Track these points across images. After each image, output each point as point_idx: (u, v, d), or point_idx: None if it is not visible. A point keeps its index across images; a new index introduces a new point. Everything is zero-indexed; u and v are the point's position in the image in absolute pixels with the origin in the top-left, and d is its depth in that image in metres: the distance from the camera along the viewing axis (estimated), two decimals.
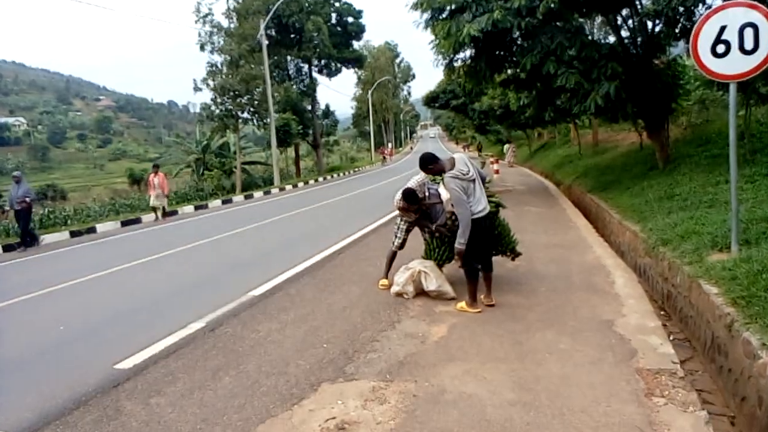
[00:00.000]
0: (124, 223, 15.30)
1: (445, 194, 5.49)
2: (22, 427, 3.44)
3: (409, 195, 5.59)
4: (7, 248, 11.98)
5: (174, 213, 17.41)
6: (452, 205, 5.01)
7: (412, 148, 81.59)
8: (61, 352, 4.88)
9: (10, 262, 10.38)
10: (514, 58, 12.45)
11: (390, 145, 70.14)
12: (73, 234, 13.68)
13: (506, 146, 33.76)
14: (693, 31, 4.87)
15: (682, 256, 5.39)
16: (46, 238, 12.92)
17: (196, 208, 18.61)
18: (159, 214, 16.03)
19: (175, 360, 4.39)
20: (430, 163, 5.05)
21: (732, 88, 4.99)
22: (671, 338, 4.49)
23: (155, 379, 4.03)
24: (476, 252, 5.03)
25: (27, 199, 12.05)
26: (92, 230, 14.30)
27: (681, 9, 9.55)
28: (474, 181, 4.91)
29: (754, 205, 6.07)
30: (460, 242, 4.79)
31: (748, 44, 4.62)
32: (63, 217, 16.73)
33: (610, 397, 3.28)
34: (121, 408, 3.61)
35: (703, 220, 6.26)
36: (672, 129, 12.70)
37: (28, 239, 12.11)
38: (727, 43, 4.72)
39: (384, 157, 50.00)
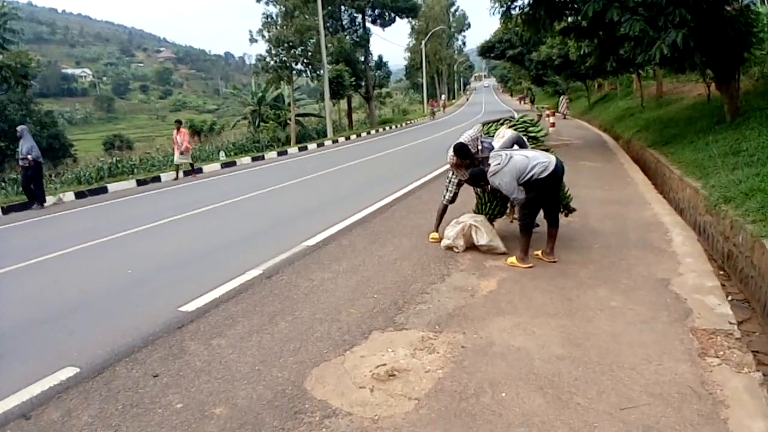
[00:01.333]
0: (186, 173, 15.84)
1: (498, 147, 5.43)
2: (95, 363, 3.72)
3: (460, 150, 5.54)
4: (79, 195, 12.68)
5: (233, 164, 17.89)
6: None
7: (467, 99, 79.98)
8: (129, 294, 5.20)
9: (82, 208, 10.98)
10: (575, 5, 11.85)
11: (443, 96, 68.73)
12: (139, 182, 14.32)
13: (561, 98, 32.75)
14: None
15: (745, 215, 5.17)
16: (114, 186, 13.57)
17: (253, 159, 19.02)
18: (180, 173, 15.15)
19: (235, 304, 4.62)
20: (465, 156, 5.40)
21: None
22: (729, 299, 4.36)
23: (216, 322, 4.27)
24: (540, 206, 5.02)
25: (29, 157, 11.34)
26: (157, 179, 14.91)
27: None
28: (523, 148, 4.92)
29: None
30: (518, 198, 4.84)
31: None
32: (130, 166, 17.51)
33: (662, 356, 3.25)
34: (185, 347, 3.85)
35: None
36: (743, 80, 11.90)
37: (33, 200, 11.57)
38: None
39: (433, 111, 45.59)
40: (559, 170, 4.99)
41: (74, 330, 4.39)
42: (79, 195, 12.73)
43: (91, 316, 4.68)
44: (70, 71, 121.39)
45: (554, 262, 5.16)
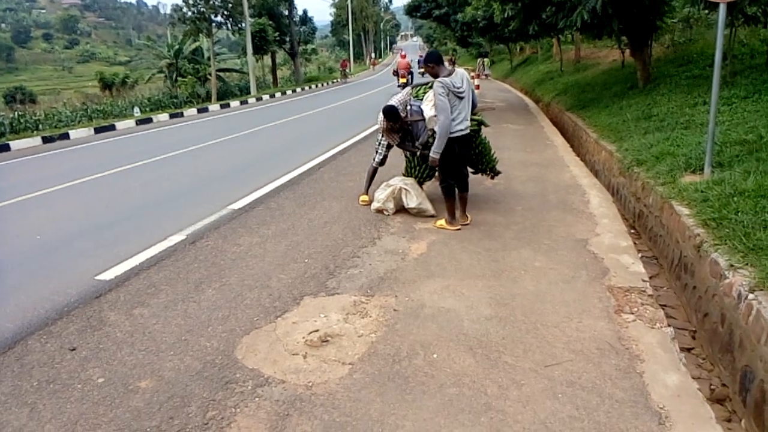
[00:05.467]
0: (98, 130, 14.85)
1: (427, 112, 5.42)
2: (5, 337, 3.47)
3: (390, 112, 5.51)
4: None
5: (149, 121, 16.94)
6: (434, 118, 4.96)
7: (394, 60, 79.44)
8: (39, 262, 4.85)
9: None
10: None
11: (372, 55, 67.88)
12: (45, 140, 13.26)
13: (478, 60, 33.48)
14: None
15: (656, 177, 5.49)
16: (17, 144, 12.53)
17: (171, 116, 18.10)
18: None
19: (157, 272, 4.42)
20: (432, 62, 4.93)
21: (721, 8, 4.86)
22: (640, 256, 4.65)
23: (138, 291, 4.07)
24: (451, 171, 5.06)
25: None
26: (65, 136, 13.85)
27: None
28: (463, 99, 4.83)
29: (729, 127, 6.11)
30: (434, 152, 4.82)
31: None
32: (34, 122, 16.14)
33: (582, 314, 3.44)
34: (104, 318, 3.66)
35: (679, 142, 6.32)
36: (655, 47, 12.50)
37: None
38: None
39: (345, 72, 39.59)
40: (468, 136, 5.08)
41: None
42: None
43: None
44: None
45: (467, 224, 5.28)
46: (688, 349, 3.41)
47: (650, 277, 4.21)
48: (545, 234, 5.00)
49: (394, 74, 25.15)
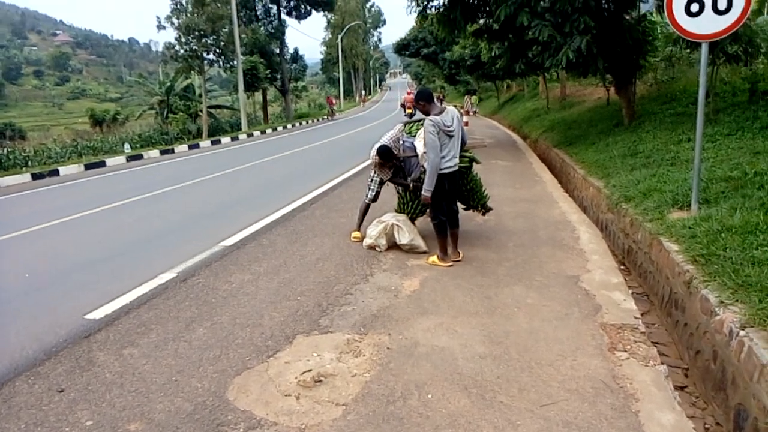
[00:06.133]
0: (88, 167, 14.84)
1: (420, 148, 5.49)
2: None
3: (384, 153, 5.60)
4: None
5: (139, 157, 16.96)
6: (425, 155, 5.02)
7: (382, 96, 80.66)
8: (27, 301, 4.78)
9: None
10: (488, 8, 12.26)
11: (363, 92, 68.92)
12: (34, 176, 13.22)
13: (465, 97, 34.41)
14: None
15: (644, 213, 5.56)
16: (6, 180, 12.48)
17: (162, 152, 18.13)
18: None
19: (147, 311, 4.38)
20: (423, 100, 5.02)
21: (704, 47, 5.02)
22: (631, 292, 4.67)
23: (128, 330, 4.02)
24: (441, 207, 5.10)
25: None
26: (55, 173, 13.83)
27: None
28: (453, 137, 4.91)
29: (714, 164, 6.24)
30: (426, 189, 4.86)
31: (722, 4, 4.64)
32: (23, 158, 16.12)
33: (576, 351, 3.43)
34: (93, 359, 3.60)
35: (665, 178, 6.43)
36: (639, 85, 12.84)
37: None
38: (701, 3, 4.73)
39: (332, 109, 38.81)
40: (457, 174, 5.15)
41: None
42: None
43: None
44: None
45: (459, 260, 5.30)
46: (682, 387, 3.40)
47: (642, 314, 4.22)
48: (537, 270, 5.02)
49: (401, 107, 29.45)
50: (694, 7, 4.77)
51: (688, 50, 11.36)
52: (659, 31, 12.84)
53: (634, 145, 9.05)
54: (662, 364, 3.32)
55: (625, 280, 4.96)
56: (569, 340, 3.60)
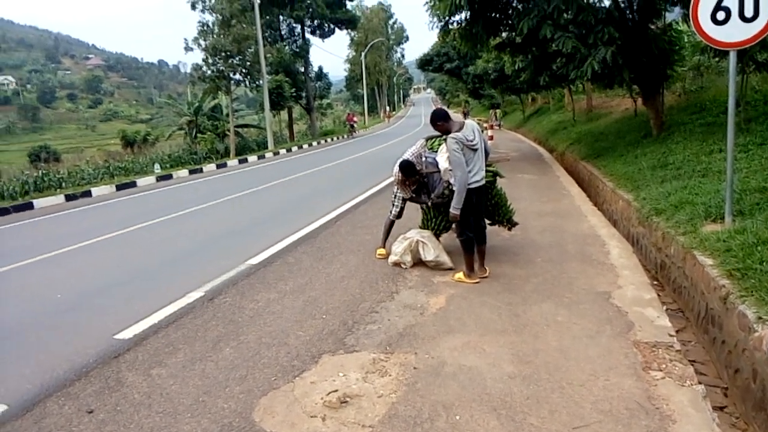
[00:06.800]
0: (119, 187, 15.17)
1: (442, 164, 5.46)
2: (23, 399, 3.45)
3: (406, 168, 5.58)
4: (2, 212, 11.89)
5: (169, 177, 17.28)
6: (450, 172, 4.99)
7: (407, 111, 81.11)
8: (59, 321, 4.87)
9: (4, 226, 10.29)
10: (510, 22, 12.26)
11: (388, 108, 69.41)
12: (68, 198, 13.57)
13: (490, 111, 34.54)
14: None
15: (676, 227, 5.43)
16: (41, 202, 12.83)
17: (191, 172, 18.46)
18: None
19: (175, 330, 4.41)
20: (440, 120, 4.99)
21: (732, 56, 4.91)
22: (665, 308, 4.54)
23: (156, 350, 4.05)
24: (469, 223, 5.04)
25: None
26: (87, 194, 14.17)
27: None
28: (476, 151, 4.87)
29: (748, 174, 6.07)
30: (454, 207, 4.80)
31: (749, 11, 4.55)
32: (57, 180, 16.58)
33: (609, 371, 3.33)
34: (122, 379, 3.63)
35: (697, 190, 6.27)
36: (667, 95, 12.63)
37: None
38: (728, 10, 4.64)
39: (353, 126, 36.90)
40: (484, 188, 5.12)
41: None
42: (2, 211, 11.92)
43: (18, 348, 4.35)
44: None
45: (486, 276, 5.23)
46: (721, 408, 3.28)
47: (677, 331, 4.10)
48: (566, 287, 4.92)
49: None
50: (721, 15, 4.68)
51: (717, 59, 11.16)
52: (686, 40, 12.67)
53: (663, 156, 8.87)
54: (699, 383, 3.19)
55: (659, 295, 4.83)
56: (601, 358, 3.50)
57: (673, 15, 12.60)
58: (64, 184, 16.35)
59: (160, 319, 4.65)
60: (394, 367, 3.55)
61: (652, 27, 11.79)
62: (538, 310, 4.41)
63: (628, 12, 11.39)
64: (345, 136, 35.52)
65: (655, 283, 5.52)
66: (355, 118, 38.78)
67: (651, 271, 5.98)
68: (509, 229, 6.21)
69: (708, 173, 6.98)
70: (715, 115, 9.99)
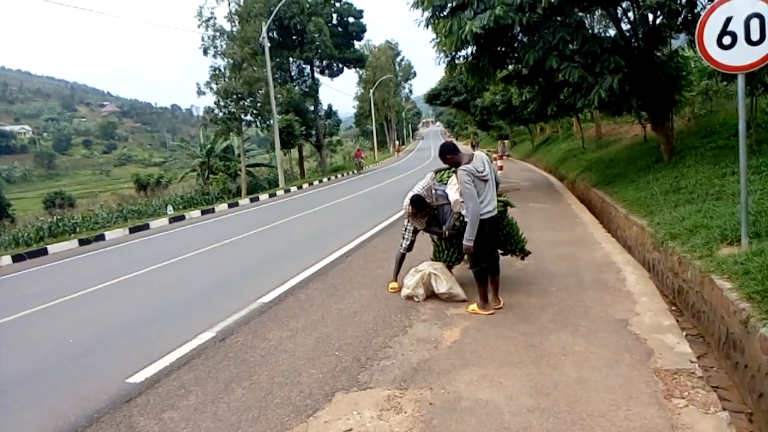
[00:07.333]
0: (132, 230, 15.35)
1: (452, 196, 5.45)
2: None
3: (417, 202, 5.58)
4: (17, 258, 12.03)
5: (182, 218, 17.46)
6: (461, 203, 4.97)
7: (417, 145, 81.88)
8: (71, 366, 4.86)
9: (19, 273, 10.40)
10: (516, 54, 12.42)
11: (397, 142, 70.24)
12: (81, 242, 13.72)
13: (498, 142, 35.66)
14: (699, 23, 4.83)
15: (692, 251, 5.35)
16: (55, 248, 12.97)
17: (203, 212, 18.64)
18: None
19: (187, 372, 4.37)
20: (449, 153, 5.00)
21: (740, 79, 4.93)
22: (684, 334, 4.43)
23: (168, 393, 4.01)
24: (482, 254, 4.99)
25: None
26: (101, 237, 14.34)
27: (683, 1, 9.49)
28: (487, 181, 4.87)
29: (762, 196, 6.01)
30: (468, 239, 4.76)
31: (755, 35, 4.58)
32: (71, 225, 16.82)
33: (630, 401, 3.23)
34: (134, 424, 3.58)
35: (711, 213, 6.21)
36: (676, 120, 12.63)
37: None
38: (734, 35, 4.68)
39: (360, 163, 38.03)
40: (495, 218, 5.07)
41: (12, 410, 4.05)
42: (17, 258, 12.07)
43: (29, 394, 4.33)
44: (8, 128, 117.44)
45: (500, 307, 5.15)
46: None
47: (698, 357, 3.99)
48: (582, 315, 4.82)
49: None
50: (727, 40, 4.71)
51: (725, 83, 11.18)
52: (693, 66, 12.73)
53: (675, 181, 8.81)
54: (724, 410, 3.08)
55: (678, 321, 4.72)
56: (621, 388, 3.40)
57: (678, 42, 12.72)
58: (78, 229, 16.57)
59: (172, 361, 4.61)
60: (410, 403, 3.47)
61: (658, 54, 11.89)
62: (555, 340, 4.32)
63: (633, 40, 11.51)
64: (354, 172, 36.24)
65: (674, 308, 5.41)
66: (362, 154, 39.74)
67: (668, 296, 5.87)
68: (522, 258, 6.14)
69: (722, 196, 6.91)
70: (726, 138, 9.95)
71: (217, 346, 4.88)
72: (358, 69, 47.02)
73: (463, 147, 33.95)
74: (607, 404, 3.22)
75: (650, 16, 10.94)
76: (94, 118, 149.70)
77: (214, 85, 24.70)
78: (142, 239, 13.63)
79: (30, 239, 15.10)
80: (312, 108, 36.58)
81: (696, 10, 9.76)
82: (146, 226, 15.87)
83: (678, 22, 10.43)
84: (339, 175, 33.95)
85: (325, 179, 31.11)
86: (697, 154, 9.97)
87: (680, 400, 3.21)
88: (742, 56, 4.68)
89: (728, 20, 4.67)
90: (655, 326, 4.43)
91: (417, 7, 12.01)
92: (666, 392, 3.31)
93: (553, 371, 3.75)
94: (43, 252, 12.69)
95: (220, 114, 24.89)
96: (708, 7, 4.83)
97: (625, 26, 11.87)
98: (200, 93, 24.87)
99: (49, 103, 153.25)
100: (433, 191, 5.74)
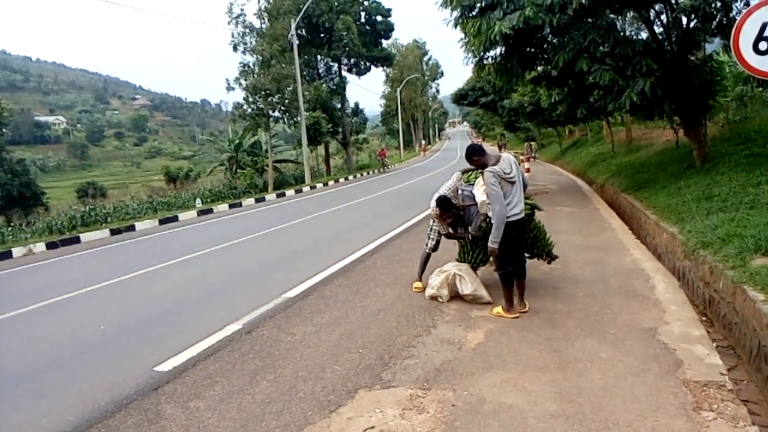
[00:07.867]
0: (162, 222, 15.63)
1: (479, 197, 5.42)
2: (65, 430, 3.51)
3: (443, 203, 5.55)
4: (51, 246, 12.34)
5: (209, 211, 17.72)
6: (487, 205, 4.95)
7: (443, 145, 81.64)
8: (101, 352, 4.98)
9: (53, 260, 10.67)
10: (546, 56, 12.27)
11: (423, 142, 70.11)
12: (113, 232, 14.05)
13: (526, 144, 34.92)
14: (734, 27, 4.74)
15: (724, 260, 5.22)
16: (87, 236, 13.28)
17: (231, 206, 18.88)
18: None
19: (213, 363, 4.44)
20: (476, 155, 4.98)
21: None
22: (715, 345, 4.34)
23: (194, 383, 4.08)
24: (508, 257, 4.96)
25: None
26: (131, 228, 14.64)
27: (718, 4, 9.26)
28: (514, 183, 4.83)
29: None
30: (493, 241, 4.73)
31: None
32: (103, 215, 17.18)
33: (657, 411, 3.18)
34: (161, 411, 3.66)
35: (745, 222, 6.05)
36: (709, 126, 12.32)
37: None
38: None
39: (384, 162, 37.29)
40: (523, 220, 5.03)
41: (43, 393, 4.16)
42: (51, 245, 12.40)
43: (60, 378, 4.46)
44: (43, 119, 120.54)
45: (525, 311, 5.12)
46: None
47: (728, 370, 3.90)
48: (610, 322, 4.76)
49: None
50: (763, 45, 4.61)
51: (761, 89, 10.89)
52: (728, 71, 12.42)
53: (708, 188, 8.61)
54: (753, 424, 3.02)
55: (708, 332, 4.62)
56: (648, 398, 3.35)
57: (713, 46, 12.42)
58: (109, 219, 16.92)
59: (199, 351, 4.69)
60: (432, 403, 3.47)
61: (692, 58, 11.63)
62: (580, 346, 4.27)
63: (666, 44, 11.27)
64: (380, 171, 36.04)
65: (704, 318, 5.30)
66: (386, 154, 39.30)
67: (699, 306, 5.74)
68: (549, 262, 6.09)
69: (756, 205, 6.73)
70: (761, 146, 9.69)
71: (243, 339, 4.95)
72: (385, 67, 47.06)
73: (490, 148, 33.71)
74: (634, 414, 3.18)
75: (684, 19, 10.69)
76: (126, 110, 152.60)
77: (243, 81, 24.94)
78: (172, 231, 13.87)
79: (63, 227, 15.48)
80: (339, 106, 36.71)
81: (732, 14, 9.51)
82: (175, 218, 16.14)
83: (713, 26, 10.18)
84: (365, 173, 34.03)
85: (350, 177, 31.22)
86: (731, 161, 9.72)
87: (709, 413, 3.15)
88: None
89: (764, 25, 4.57)
90: (684, 336, 4.35)
91: (445, 7, 11.93)
92: (695, 404, 3.26)
93: (578, 378, 3.71)
94: (76, 240, 13.00)
95: (249, 110, 25.11)
96: (744, 11, 4.72)
97: (657, 29, 11.64)
98: (229, 89, 25.14)
99: (82, 95, 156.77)
100: (460, 191, 5.71)
